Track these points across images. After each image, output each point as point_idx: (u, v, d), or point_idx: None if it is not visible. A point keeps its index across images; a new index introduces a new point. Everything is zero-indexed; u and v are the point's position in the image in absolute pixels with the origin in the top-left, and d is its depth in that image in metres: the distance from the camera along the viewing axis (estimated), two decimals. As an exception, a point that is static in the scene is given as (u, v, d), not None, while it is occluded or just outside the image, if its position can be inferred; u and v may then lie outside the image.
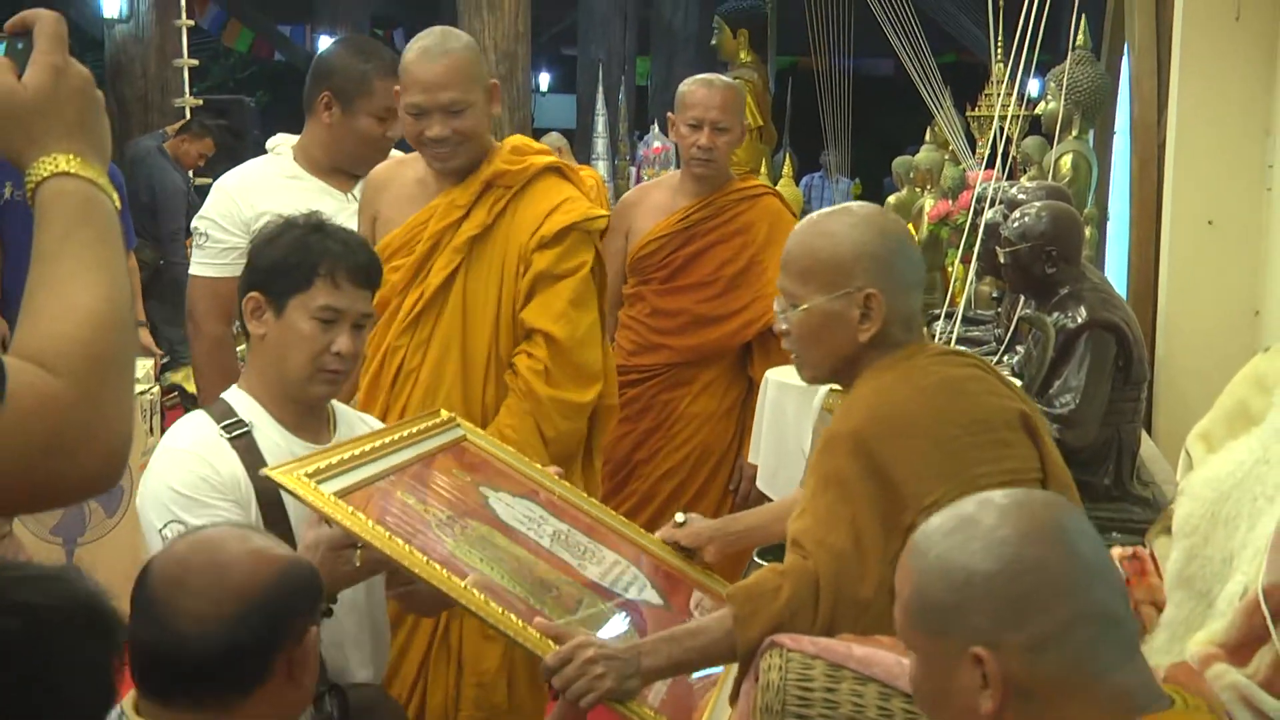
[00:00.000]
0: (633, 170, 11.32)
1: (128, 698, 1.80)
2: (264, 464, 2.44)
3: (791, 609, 2.14)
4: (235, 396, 2.62)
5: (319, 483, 2.29)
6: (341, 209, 3.41)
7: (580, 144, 13.25)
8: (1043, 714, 1.53)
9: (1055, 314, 4.09)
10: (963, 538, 1.57)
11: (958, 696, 1.56)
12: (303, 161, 3.55)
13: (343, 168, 3.55)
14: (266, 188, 3.52)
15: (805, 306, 2.31)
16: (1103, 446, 4.07)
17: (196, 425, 2.57)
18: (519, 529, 2.58)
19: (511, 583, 2.37)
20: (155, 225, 8.21)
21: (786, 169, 9.87)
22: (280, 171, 3.57)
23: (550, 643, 2.22)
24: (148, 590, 1.82)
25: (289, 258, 2.55)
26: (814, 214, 2.41)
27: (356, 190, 3.49)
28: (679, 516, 2.79)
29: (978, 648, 1.53)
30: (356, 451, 2.44)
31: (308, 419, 2.63)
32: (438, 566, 2.25)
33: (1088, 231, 5.74)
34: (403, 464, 2.54)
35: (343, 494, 2.31)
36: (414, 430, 2.62)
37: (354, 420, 2.80)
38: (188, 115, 9.06)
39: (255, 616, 1.78)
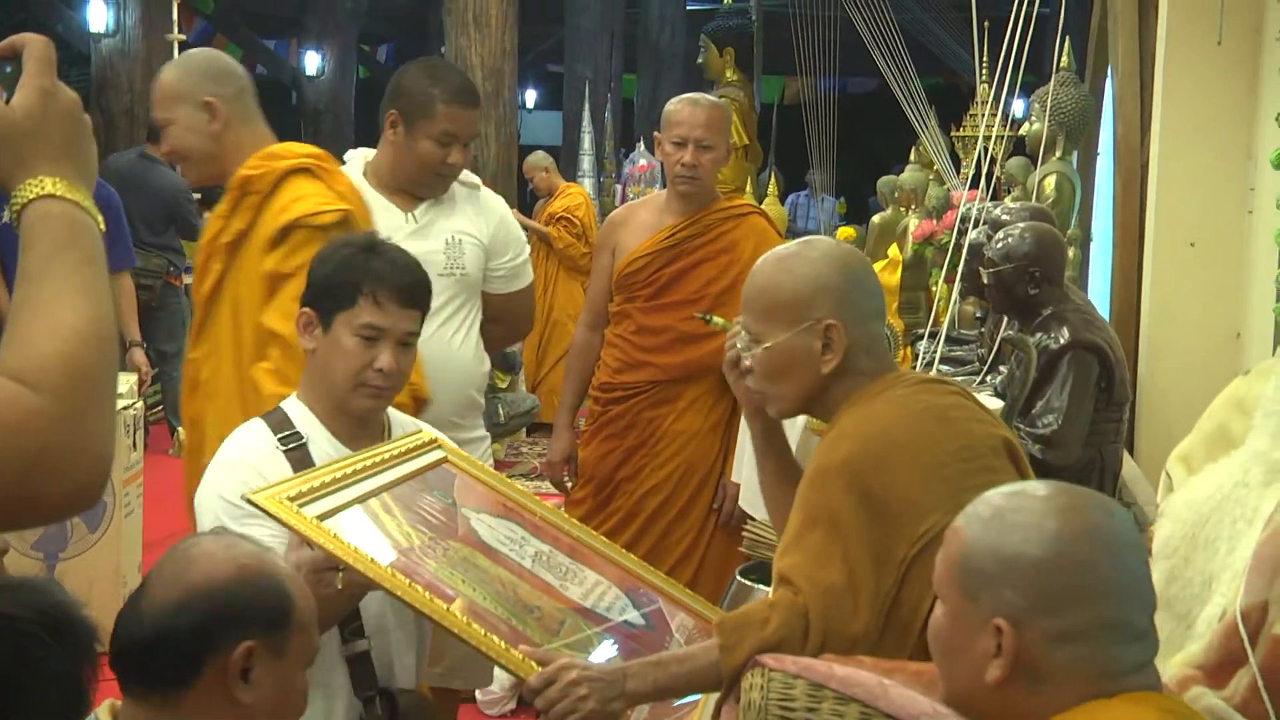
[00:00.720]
0: (618, 188, 11.34)
1: (104, 705, 1.79)
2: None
3: (779, 639, 2.13)
4: (293, 407, 2.69)
5: (300, 506, 2.29)
6: (398, 227, 3.43)
7: (566, 161, 13.26)
8: (1047, 695, 1.59)
9: (1038, 334, 4.10)
10: (1024, 518, 1.63)
11: (970, 656, 1.63)
12: (370, 176, 3.57)
13: (405, 188, 3.55)
14: None
15: (768, 345, 2.34)
16: (1085, 467, 4.08)
17: (253, 435, 2.64)
18: (501, 550, 2.58)
19: (494, 604, 2.36)
20: (166, 234, 8.15)
21: (772, 188, 9.89)
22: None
23: (534, 664, 2.21)
24: (145, 578, 1.86)
25: (335, 275, 2.63)
26: (772, 252, 2.43)
27: (419, 211, 3.52)
28: None
29: (1001, 620, 1.59)
30: (338, 474, 2.45)
31: (360, 431, 2.68)
32: (420, 589, 2.24)
33: (1071, 252, 5.76)
34: (384, 486, 2.54)
35: (324, 517, 2.31)
36: (395, 452, 2.63)
37: (410, 430, 2.83)
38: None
39: (191, 609, 1.77)
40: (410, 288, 2.64)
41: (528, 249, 3.74)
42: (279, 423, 2.65)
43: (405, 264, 2.67)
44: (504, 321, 3.69)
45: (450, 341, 3.42)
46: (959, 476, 2.20)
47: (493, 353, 3.81)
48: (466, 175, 3.63)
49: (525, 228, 9.26)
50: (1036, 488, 1.69)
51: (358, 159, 3.63)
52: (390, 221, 3.43)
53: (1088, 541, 1.61)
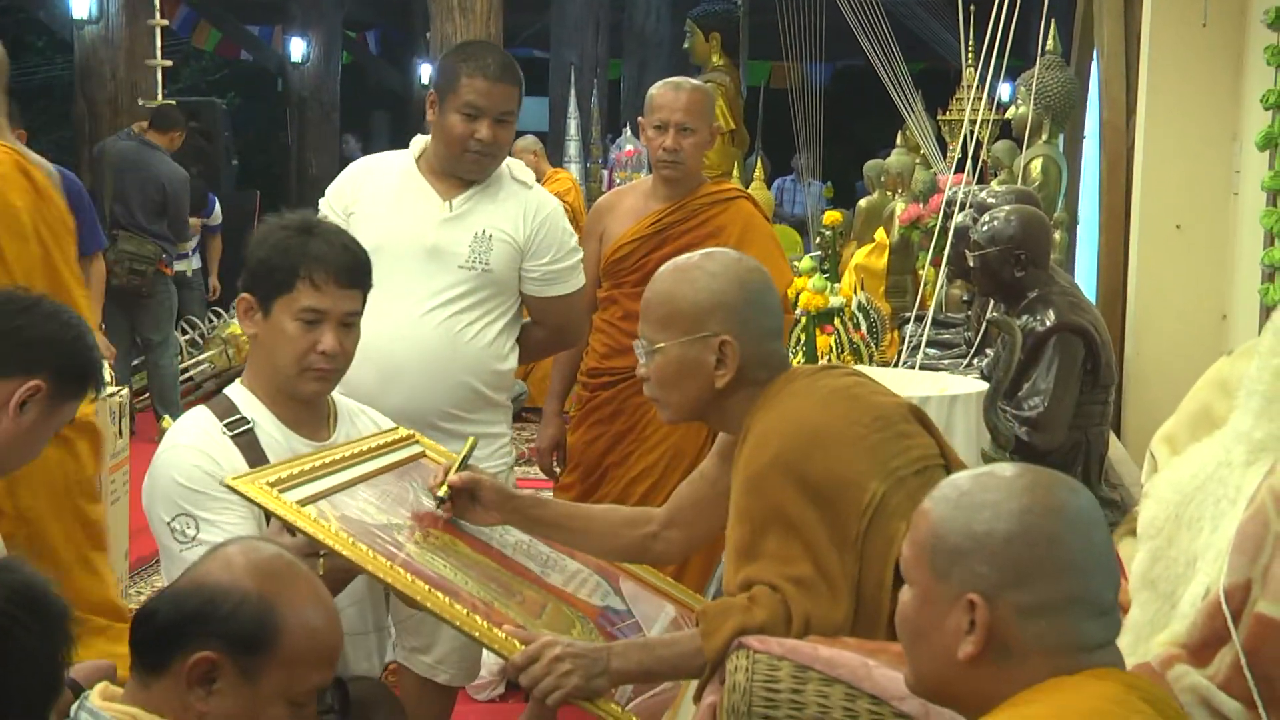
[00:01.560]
0: (605, 174, 11.32)
1: (97, 687, 1.79)
2: (266, 460, 2.51)
3: (761, 624, 2.13)
4: (237, 393, 2.67)
5: (281, 491, 2.29)
6: (432, 215, 3.38)
7: (553, 147, 13.21)
8: (1014, 672, 1.61)
9: (1024, 317, 4.11)
10: (991, 496, 1.65)
11: (940, 636, 1.64)
12: (421, 162, 3.51)
13: (449, 170, 3.47)
14: (375, 178, 3.51)
15: (660, 347, 2.36)
16: (1071, 449, 4.09)
17: (198, 422, 2.62)
18: (481, 538, 2.58)
19: (476, 587, 2.36)
20: (161, 222, 8.10)
21: (758, 172, 9.89)
22: (396, 166, 3.53)
23: (517, 643, 2.22)
24: None
25: (271, 259, 2.59)
26: (674, 261, 2.45)
27: (458, 200, 3.44)
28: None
29: (974, 595, 1.61)
30: (318, 463, 2.46)
31: (306, 415, 2.67)
32: (401, 571, 2.24)
33: (1057, 235, 5.78)
34: (363, 476, 2.54)
35: (305, 503, 2.31)
36: (373, 445, 2.64)
37: (356, 415, 2.82)
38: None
39: (174, 602, 1.77)
40: (348, 267, 2.61)
41: (578, 255, 3.62)
42: (225, 409, 2.63)
43: (343, 244, 2.64)
44: (544, 326, 3.61)
45: (459, 333, 3.37)
46: (881, 445, 2.24)
47: (535, 357, 3.76)
48: (521, 172, 3.56)
49: None
50: (1003, 469, 1.71)
51: (418, 145, 3.58)
52: (428, 209, 3.39)
53: (1055, 517, 1.63)
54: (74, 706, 1.76)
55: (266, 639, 1.76)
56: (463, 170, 3.45)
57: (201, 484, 2.49)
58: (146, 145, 8.18)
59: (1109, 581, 1.65)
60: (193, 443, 2.57)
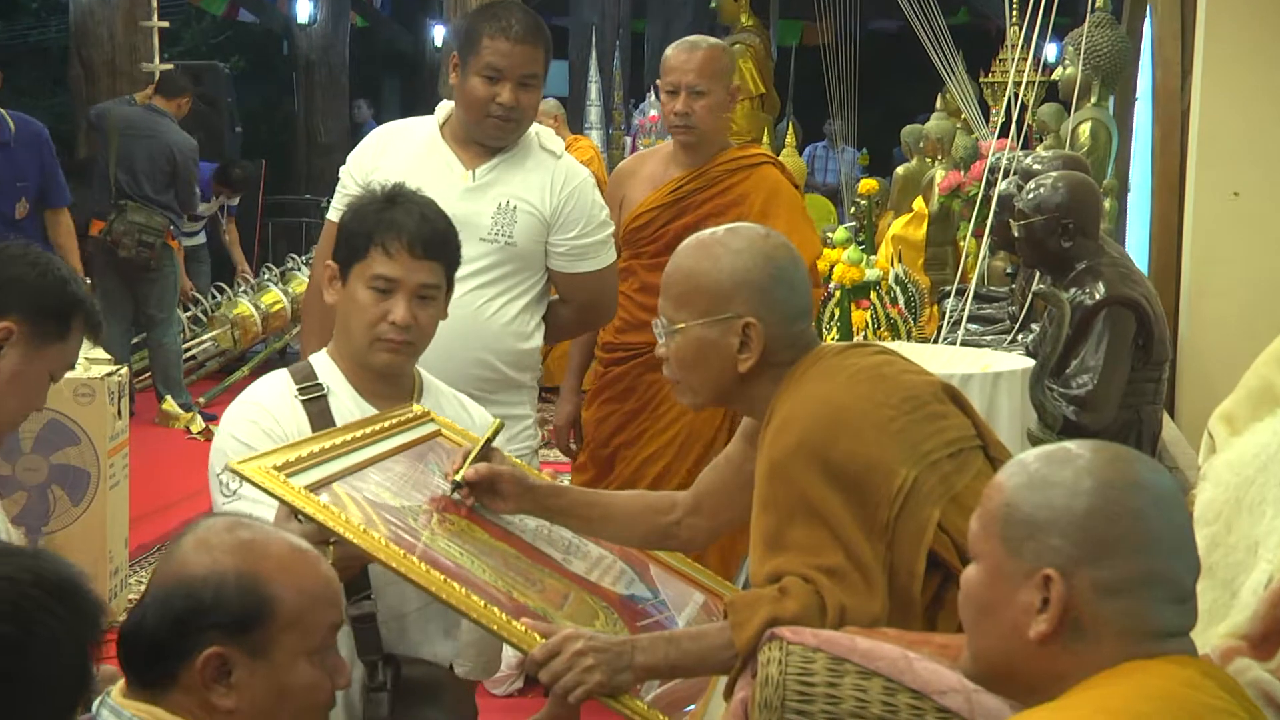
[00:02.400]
0: (628, 140, 11.30)
1: (117, 686, 1.79)
2: (334, 426, 2.59)
3: (793, 615, 2.12)
4: (320, 360, 2.77)
5: (288, 476, 2.29)
6: (455, 184, 3.38)
7: (573, 113, 13.18)
8: (1087, 653, 1.60)
9: (1072, 290, 4.09)
10: (1071, 470, 1.64)
11: (1009, 613, 1.64)
12: (446, 129, 3.51)
13: (473, 137, 3.47)
14: (397, 146, 3.52)
15: (680, 327, 2.35)
16: (1121, 429, 4.07)
17: (273, 382, 2.73)
18: (499, 523, 2.57)
19: (494, 576, 2.36)
20: (169, 193, 8.09)
21: (789, 138, 9.86)
22: (420, 133, 3.54)
23: (537, 635, 2.21)
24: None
25: (351, 225, 2.71)
26: (696, 236, 2.43)
27: (482, 169, 3.43)
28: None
29: (1050, 569, 1.60)
30: (327, 445, 2.46)
31: (385, 387, 2.74)
32: (416, 560, 2.24)
33: (1107, 203, 5.74)
34: (376, 457, 2.54)
35: (314, 487, 2.31)
36: (386, 424, 2.64)
37: (443, 396, 2.86)
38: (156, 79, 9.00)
39: (152, 609, 1.75)
40: (425, 238, 2.67)
41: (609, 229, 3.61)
42: (303, 374, 2.73)
43: (423, 214, 2.70)
44: (572, 304, 3.61)
45: (479, 308, 3.37)
46: (910, 428, 2.22)
47: (562, 337, 3.75)
48: (550, 140, 3.55)
49: None
50: (1079, 443, 1.70)
51: (443, 110, 3.57)
52: (449, 178, 3.40)
53: (1139, 492, 1.62)
54: (96, 703, 1.77)
55: (262, 610, 1.76)
56: (484, 136, 3.44)
57: (254, 440, 2.57)
58: (154, 112, 8.17)
59: (1189, 566, 1.64)
60: (259, 400, 2.68)
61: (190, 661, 1.73)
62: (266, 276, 9.91)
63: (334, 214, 3.53)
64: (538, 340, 3.50)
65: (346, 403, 2.70)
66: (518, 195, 3.42)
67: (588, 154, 9.54)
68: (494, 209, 3.40)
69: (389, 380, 2.75)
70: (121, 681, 1.79)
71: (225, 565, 1.77)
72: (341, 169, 3.59)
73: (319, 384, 2.71)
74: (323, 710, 1.86)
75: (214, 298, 9.51)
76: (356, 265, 2.67)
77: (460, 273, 3.31)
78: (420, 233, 2.67)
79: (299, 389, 2.69)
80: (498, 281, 3.40)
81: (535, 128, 3.54)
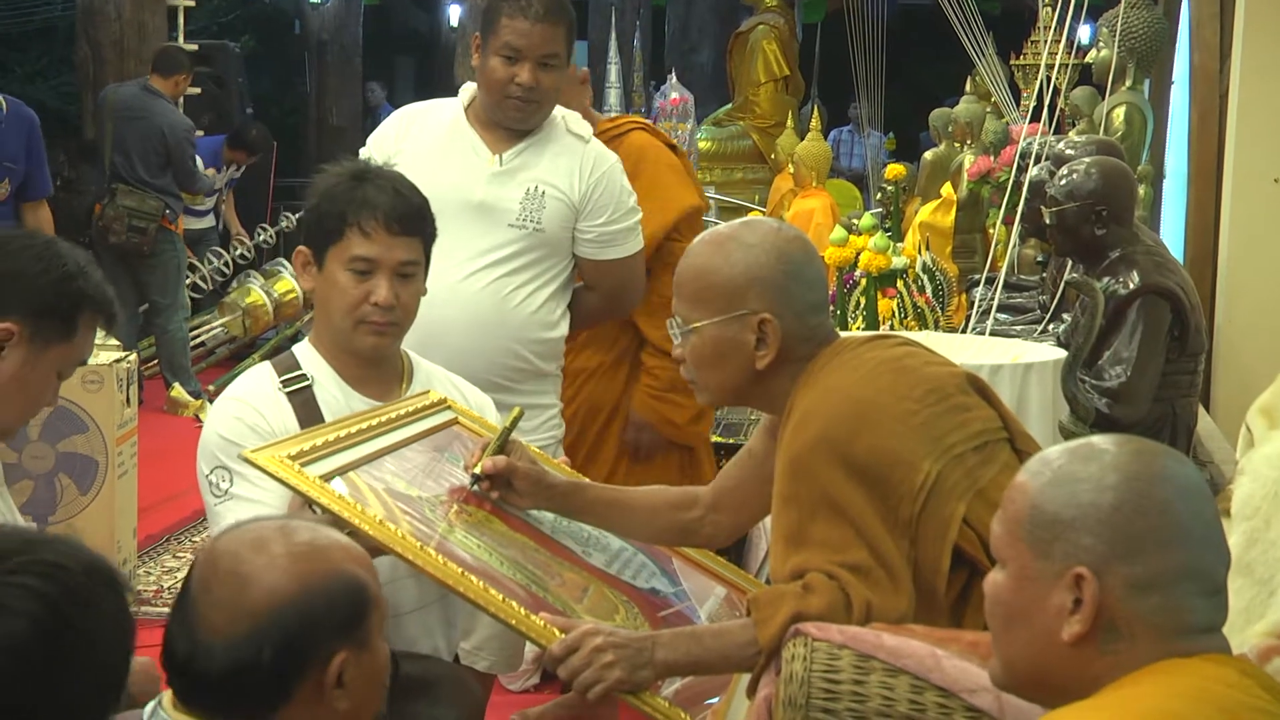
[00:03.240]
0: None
1: (168, 693, 1.79)
2: (322, 419, 2.58)
3: (818, 612, 2.13)
4: (303, 350, 2.74)
5: (302, 465, 2.30)
6: (482, 169, 3.38)
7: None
8: (1123, 653, 1.60)
9: (1105, 279, 4.07)
10: (1096, 466, 1.64)
11: (1041, 617, 1.63)
12: (469, 112, 3.49)
13: (496, 120, 3.45)
14: (421, 128, 3.51)
15: (695, 327, 2.35)
16: (1156, 423, 4.06)
17: (256, 376, 2.72)
18: (517, 515, 2.58)
19: (512, 570, 2.37)
20: (164, 176, 8.07)
21: (814, 122, 9.84)
22: (444, 116, 3.52)
23: (556, 631, 2.22)
24: (186, 586, 1.80)
25: (321, 206, 2.67)
26: (709, 232, 2.44)
27: (509, 154, 3.42)
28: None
29: (1082, 568, 1.60)
30: (342, 433, 2.46)
31: (371, 373, 2.72)
32: (433, 553, 2.25)
33: (1141, 190, 5.71)
34: (391, 446, 2.55)
35: (328, 477, 2.32)
36: (403, 412, 2.64)
37: (436, 378, 2.84)
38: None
39: (265, 641, 1.71)
40: (401, 214, 2.64)
41: (637, 215, 3.60)
42: (286, 365, 2.70)
43: (395, 189, 2.67)
44: (598, 291, 3.60)
45: (507, 296, 3.36)
46: (934, 420, 2.22)
47: (586, 325, 3.75)
48: (577, 124, 3.54)
49: None
50: (1101, 438, 1.70)
51: (467, 92, 3.55)
52: (476, 162, 3.39)
53: (1165, 484, 1.62)
54: (147, 712, 1.77)
55: (364, 598, 1.78)
56: (505, 118, 3.43)
57: (240, 437, 2.55)
58: (149, 92, 8.16)
59: (1220, 558, 1.64)
60: (243, 396, 2.65)
61: (309, 678, 1.73)
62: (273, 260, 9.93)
63: None
64: (564, 329, 3.50)
65: (333, 392, 2.68)
66: (546, 180, 3.41)
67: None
68: (522, 194, 3.39)
69: (376, 364, 2.73)
70: (170, 693, 1.78)
71: (316, 570, 1.77)
72: (362, 151, 3.57)
73: (303, 374, 2.68)
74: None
75: (222, 275, 9.52)
76: (332, 248, 2.64)
77: (487, 259, 3.32)
78: (396, 209, 2.64)
79: (282, 381, 2.67)
80: (526, 269, 3.39)
81: (561, 111, 3.53)
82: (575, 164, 3.46)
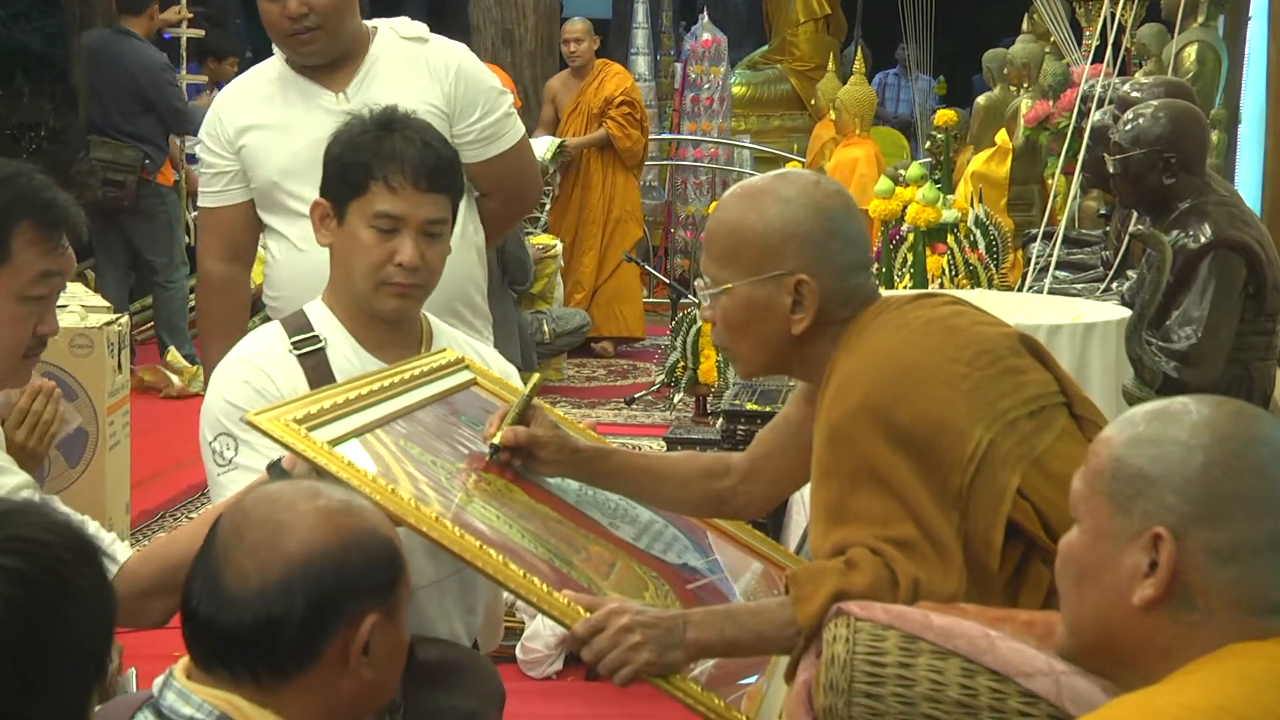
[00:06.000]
0: (678, 66, 11.26)
1: (181, 663, 1.81)
2: (334, 382, 2.57)
3: (861, 590, 2.13)
4: (315, 309, 2.74)
5: (309, 429, 2.31)
6: (329, 111, 3.28)
7: (616, 36, 13.14)
8: (1195, 626, 1.60)
9: (1174, 232, 4.06)
10: (1189, 423, 1.65)
11: (1113, 576, 1.64)
12: (290, 62, 3.45)
13: (302, 63, 3.40)
14: (250, 95, 3.48)
15: (726, 287, 2.34)
16: (1229, 387, 4.05)
17: (265, 337, 2.72)
18: (540, 484, 2.59)
19: (534, 543, 2.38)
20: (142, 121, 7.98)
21: (857, 65, 9.80)
22: (266, 74, 3.49)
23: (580, 610, 2.23)
24: (210, 541, 1.82)
25: (344, 157, 2.66)
26: (741, 185, 2.43)
27: (352, 86, 3.36)
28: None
29: (1161, 528, 1.60)
30: (352, 395, 2.47)
31: (389, 337, 2.72)
32: (448, 524, 2.25)
33: (1214, 135, 5.68)
34: (405, 409, 2.55)
35: (337, 442, 2.32)
36: (416, 372, 2.64)
37: (458, 342, 2.84)
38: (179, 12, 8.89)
39: (298, 590, 1.74)
40: (430, 168, 2.64)
41: (508, 99, 3.52)
42: (297, 325, 2.71)
43: (424, 141, 2.67)
44: (496, 195, 3.52)
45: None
46: (986, 384, 2.22)
47: (496, 237, 3.67)
48: (409, 27, 3.47)
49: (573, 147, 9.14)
50: (1197, 397, 1.71)
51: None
52: (319, 106, 3.34)
53: (1261, 447, 1.63)
54: (158, 684, 1.80)
55: (398, 563, 1.83)
56: (297, 57, 3.37)
57: (247, 401, 2.55)
58: (120, 34, 8.02)
59: None
60: (249, 358, 2.66)
61: (338, 638, 1.76)
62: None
63: (206, 199, 3.51)
64: (483, 275, 3.46)
65: (347, 355, 2.69)
66: (406, 97, 3.18)
67: (629, 80, 9.51)
68: None
69: (394, 327, 2.73)
70: (184, 661, 1.80)
71: (353, 525, 1.81)
72: (197, 148, 3.54)
73: (315, 335, 2.69)
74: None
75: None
76: (355, 201, 2.63)
77: None
78: (425, 162, 2.64)
79: (293, 342, 2.67)
80: None
81: (389, 21, 3.48)
82: (425, 69, 3.39)
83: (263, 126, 3.38)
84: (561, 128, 9.24)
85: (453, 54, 3.46)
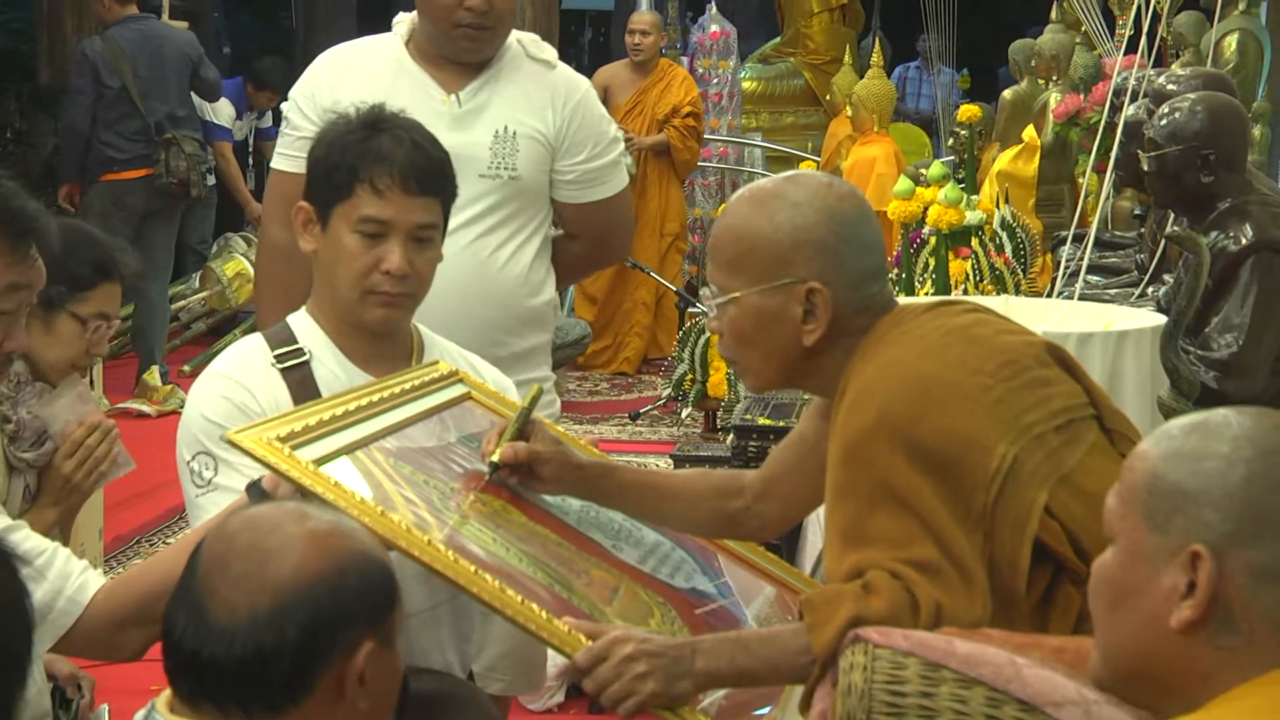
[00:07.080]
0: (684, 60, 11.28)
1: (163, 695, 1.82)
2: (319, 398, 2.57)
3: (879, 615, 2.13)
4: (299, 320, 2.75)
5: (293, 448, 2.31)
6: (437, 113, 3.31)
7: (619, 28, 13.17)
8: (1237, 650, 1.60)
9: (1213, 233, 4.06)
10: (1230, 436, 1.65)
11: (1148, 601, 1.65)
12: (411, 45, 3.47)
13: (445, 54, 3.42)
14: (357, 71, 3.47)
15: (734, 296, 2.36)
16: (1273, 399, 4.04)
17: (246, 350, 2.72)
18: (539, 504, 2.60)
19: (532, 567, 2.38)
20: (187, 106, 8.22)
21: (875, 57, 9.81)
22: (382, 53, 3.50)
23: (582, 637, 2.23)
24: (192, 568, 1.82)
25: (329, 158, 2.66)
26: (748, 188, 2.44)
27: (466, 92, 3.39)
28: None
29: (1199, 546, 1.60)
30: (338, 411, 2.47)
31: (377, 349, 2.73)
32: (441, 548, 2.26)
33: (1256, 130, 5.69)
34: (395, 425, 2.56)
35: (322, 461, 2.33)
36: (407, 386, 2.65)
37: (450, 355, 2.85)
38: None
39: (290, 619, 1.75)
40: (420, 170, 2.64)
41: (619, 146, 3.58)
42: (281, 337, 2.71)
43: (413, 141, 2.67)
44: (583, 239, 3.58)
45: (488, 260, 3.33)
46: (1010, 396, 2.22)
47: (572, 279, 3.73)
48: (538, 47, 3.51)
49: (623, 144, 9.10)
50: (1236, 409, 1.71)
51: (404, 24, 3.53)
52: (429, 105, 3.34)
53: None
54: (141, 715, 1.80)
55: (393, 586, 1.84)
56: (456, 51, 3.39)
57: (227, 418, 2.55)
58: (140, 20, 8.19)
59: None
60: (230, 372, 2.65)
61: (333, 666, 1.76)
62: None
63: (282, 162, 3.51)
64: (551, 291, 3.50)
65: (332, 369, 2.69)
66: (516, 118, 3.37)
67: (692, 91, 9.51)
68: (490, 138, 3.36)
69: (383, 340, 2.73)
70: (166, 694, 1.81)
71: (346, 548, 1.81)
72: (285, 106, 3.54)
73: (299, 349, 2.69)
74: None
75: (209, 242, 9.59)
76: (340, 206, 2.63)
77: (460, 218, 3.17)
78: (414, 164, 2.63)
79: (276, 355, 2.67)
80: (504, 225, 3.37)
81: (517, 34, 3.49)
82: (545, 95, 3.42)
83: (360, 102, 3.38)
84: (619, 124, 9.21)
85: (575, 87, 3.51)
